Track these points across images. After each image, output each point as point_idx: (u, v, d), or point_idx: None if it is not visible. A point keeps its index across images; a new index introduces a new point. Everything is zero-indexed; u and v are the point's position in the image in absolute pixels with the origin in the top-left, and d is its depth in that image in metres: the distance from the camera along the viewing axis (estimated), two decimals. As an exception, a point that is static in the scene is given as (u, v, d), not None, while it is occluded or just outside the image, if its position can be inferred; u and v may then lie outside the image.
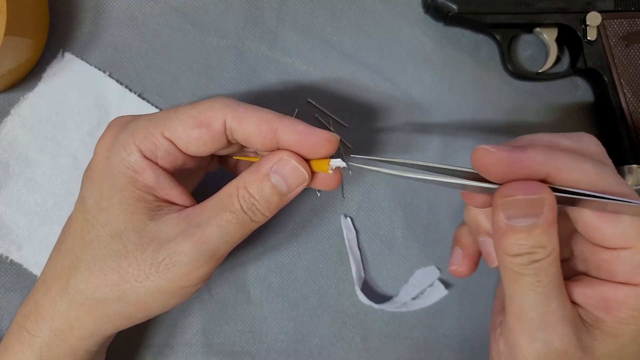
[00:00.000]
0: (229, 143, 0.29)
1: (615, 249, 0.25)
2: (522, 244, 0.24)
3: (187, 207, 0.29)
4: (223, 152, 0.31)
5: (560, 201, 0.24)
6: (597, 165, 0.24)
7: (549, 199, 0.23)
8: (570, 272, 0.29)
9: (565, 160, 0.24)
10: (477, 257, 0.32)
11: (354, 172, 0.39)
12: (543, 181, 0.24)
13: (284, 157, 0.27)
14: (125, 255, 0.27)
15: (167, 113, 0.28)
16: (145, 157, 0.27)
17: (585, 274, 0.28)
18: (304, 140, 0.27)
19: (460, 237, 0.32)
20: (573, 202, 0.25)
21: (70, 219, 0.30)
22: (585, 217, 0.25)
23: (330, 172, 0.28)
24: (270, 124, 0.27)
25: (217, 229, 0.27)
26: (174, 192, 0.29)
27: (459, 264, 0.32)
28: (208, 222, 0.27)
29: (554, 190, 0.24)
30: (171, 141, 0.27)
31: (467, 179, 0.26)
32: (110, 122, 0.30)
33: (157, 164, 0.28)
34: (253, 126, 0.27)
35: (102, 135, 0.29)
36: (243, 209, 0.27)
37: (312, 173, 0.28)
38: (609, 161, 0.27)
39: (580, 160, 0.24)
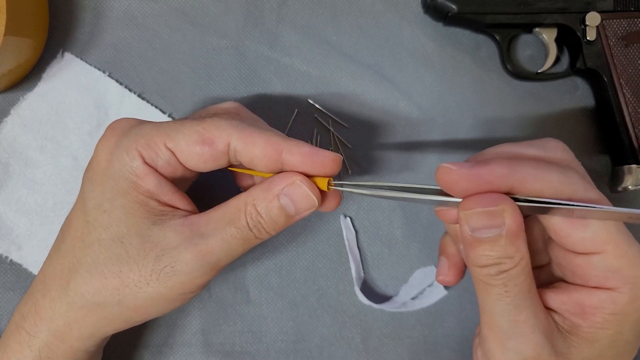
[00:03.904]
0: (230, 162, 0.29)
1: (586, 254, 0.25)
2: (489, 254, 0.24)
3: (189, 212, 0.29)
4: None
5: (530, 210, 0.25)
6: (562, 172, 0.25)
7: (510, 210, 0.24)
8: (550, 277, 0.29)
9: (528, 171, 0.24)
10: (463, 266, 0.32)
11: (353, 171, 0.39)
12: (508, 193, 0.24)
13: (296, 181, 0.27)
14: (126, 260, 0.27)
15: (173, 124, 0.28)
16: (146, 163, 0.27)
17: (563, 280, 0.28)
18: (310, 162, 0.27)
19: (445, 247, 0.33)
20: (543, 211, 0.25)
21: (69, 219, 0.30)
22: (555, 224, 0.25)
23: (330, 189, 0.28)
24: (276, 147, 0.27)
25: (221, 242, 0.27)
26: (176, 198, 0.29)
27: (445, 273, 0.32)
28: (212, 235, 0.27)
29: (519, 200, 0.24)
30: (172, 152, 0.27)
31: (437, 194, 0.26)
32: (112, 124, 0.30)
33: (157, 171, 0.28)
34: (259, 149, 0.27)
35: (103, 136, 0.29)
36: (249, 226, 0.27)
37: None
38: (578, 165, 0.27)
39: (543, 169, 0.24)
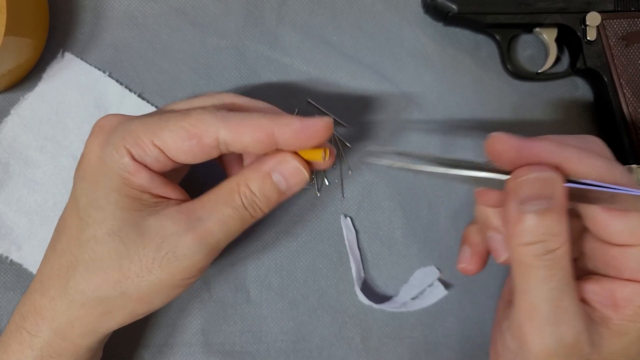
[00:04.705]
0: (222, 153, 0.29)
1: (623, 245, 0.25)
2: (536, 230, 0.24)
3: (182, 200, 0.29)
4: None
5: (571, 196, 0.24)
6: (605, 160, 0.25)
7: (560, 182, 0.24)
8: (580, 271, 0.29)
9: (575, 152, 0.25)
10: (486, 255, 0.32)
11: (353, 171, 0.39)
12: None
13: (286, 157, 0.28)
14: (125, 253, 0.27)
15: (159, 120, 0.28)
16: (135, 160, 0.28)
17: (594, 273, 0.28)
18: (303, 137, 0.27)
19: (469, 236, 0.32)
20: (582, 199, 0.25)
21: (63, 218, 0.30)
22: (594, 214, 0.25)
23: (324, 160, 0.28)
24: (266, 130, 0.27)
25: (219, 223, 0.28)
26: (168, 189, 0.29)
27: (468, 262, 0.32)
28: (209, 217, 0.28)
29: (570, 181, 0.24)
30: (160, 149, 0.27)
31: (481, 171, 0.26)
32: (99, 122, 0.30)
33: (146, 167, 0.28)
34: (249, 137, 0.27)
35: (91, 134, 0.29)
36: (244, 205, 0.28)
37: (308, 163, 0.29)
38: (616, 161, 0.27)
39: (589, 154, 0.25)
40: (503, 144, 0.25)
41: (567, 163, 0.24)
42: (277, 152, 0.28)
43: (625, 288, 0.25)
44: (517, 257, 0.25)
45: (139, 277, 0.27)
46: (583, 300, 0.26)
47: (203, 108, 0.28)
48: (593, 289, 0.26)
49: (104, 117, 0.30)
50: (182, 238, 0.27)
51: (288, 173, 0.28)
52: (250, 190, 0.28)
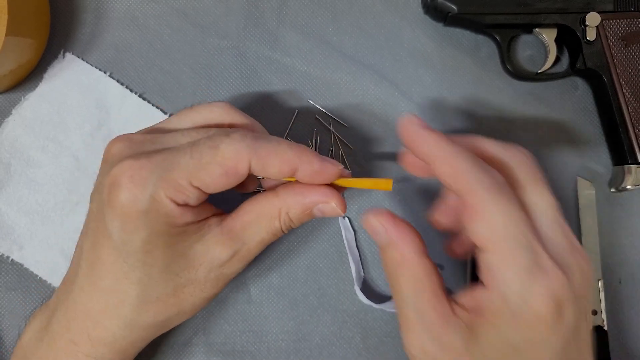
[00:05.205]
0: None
1: (482, 251, 0.26)
2: (385, 261, 0.29)
3: (217, 214, 0.31)
4: None
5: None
6: (479, 167, 0.27)
7: (389, 221, 0.29)
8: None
9: (451, 153, 0.27)
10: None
11: (354, 172, 0.39)
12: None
13: (328, 195, 0.30)
14: (179, 281, 0.29)
15: (190, 160, 0.27)
16: (178, 205, 0.28)
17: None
18: (318, 178, 0.30)
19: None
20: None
21: (98, 257, 0.29)
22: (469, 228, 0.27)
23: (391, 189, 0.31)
24: (292, 165, 0.29)
25: (259, 244, 0.31)
26: (204, 211, 0.30)
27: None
28: (252, 240, 0.30)
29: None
30: (199, 189, 0.28)
31: None
32: (122, 166, 0.27)
33: (189, 206, 0.28)
34: (276, 169, 0.29)
35: (118, 184, 0.27)
36: (282, 229, 0.31)
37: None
38: (526, 171, 0.29)
39: (463, 157, 0.27)
40: (408, 125, 0.29)
41: (436, 161, 0.28)
42: (319, 188, 0.30)
43: (483, 294, 0.26)
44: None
45: (193, 297, 0.30)
46: (462, 306, 0.27)
47: (228, 136, 0.28)
48: (468, 296, 0.27)
49: (124, 163, 0.27)
50: (229, 262, 0.30)
51: (327, 211, 0.30)
52: (290, 218, 0.30)
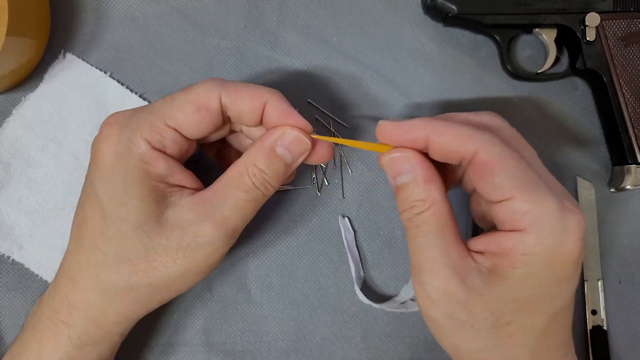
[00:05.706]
0: (223, 122, 0.30)
1: (500, 201, 0.27)
2: (403, 200, 0.29)
3: (195, 189, 0.31)
4: (215, 137, 0.32)
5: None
6: (474, 129, 0.28)
7: (416, 158, 0.28)
8: (489, 228, 0.32)
9: (441, 125, 0.28)
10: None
11: (353, 171, 0.39)
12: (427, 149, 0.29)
13: (285, 129, 0.30)
14: (150, 245, 0.29)
15: (164, 103, 0.29)
16: (154, 148, 0.29)
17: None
18: (285, 119, 0.30)
19: None
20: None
21: (84, 217, 0.30)
22: (472, 180, 0.28)
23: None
24: (260, 98, 0.29)
25: (234, 208, 0.29)
26: (184, 177, 0.30)
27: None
28: (224, 203, 0.29)
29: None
30: (175, 129, 0.29)
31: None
32: (107, 121, 0.30)
33: (165, 152, 0.29)
34: (246, 102, 0.29)
35: (101, 134, 0.30)
36: (255, 185, 0.29)
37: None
38: (507, 130, 0.30)
39: (454, 125, 0.28)
40: (386, 127, 0.29)
41: (435, 134, 0.28)
42: (275, 128, 0.30)
43: (507, 238, 0.27)
44: (403, 224, 0.30)
45: (165, 267, 0.29)
46: (479, 252, 0.29)
47: (201, 81, 0.30)
48: (485, 241, 0.28)
49: (109, 116, 0.31)
50: (202, 227, 0.29)
51: (290, 143, 0.30)
52: (259, 169, 0.29)
